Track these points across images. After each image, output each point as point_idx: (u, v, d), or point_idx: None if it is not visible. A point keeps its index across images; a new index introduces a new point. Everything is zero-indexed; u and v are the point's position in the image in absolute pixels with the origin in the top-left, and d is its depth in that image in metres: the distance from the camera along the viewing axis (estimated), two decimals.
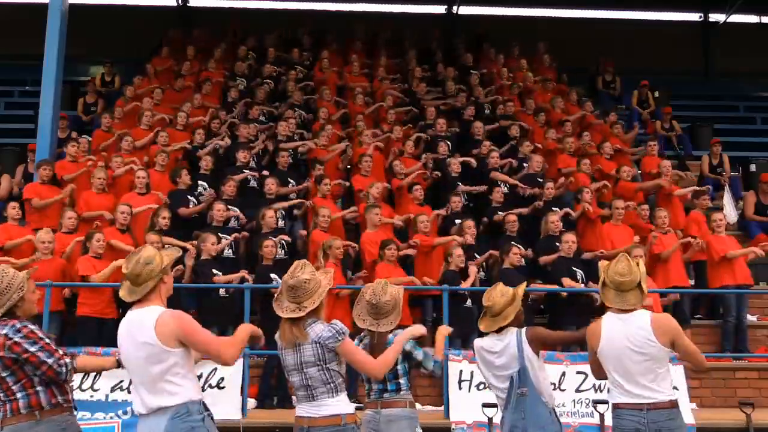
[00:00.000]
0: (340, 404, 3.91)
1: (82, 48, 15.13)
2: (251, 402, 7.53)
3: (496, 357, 4.60)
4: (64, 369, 3.91)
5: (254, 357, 7.61)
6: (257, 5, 19.04)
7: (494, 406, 6.31)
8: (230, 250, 8.61)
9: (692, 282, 9.65)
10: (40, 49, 10.53)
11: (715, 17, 19.13)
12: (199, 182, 9.98)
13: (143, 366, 3.72)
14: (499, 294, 4.64)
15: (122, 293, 3.84)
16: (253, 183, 10.19)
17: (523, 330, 4.60)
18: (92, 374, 6.70)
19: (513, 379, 4.49)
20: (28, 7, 16.08)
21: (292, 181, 10.24)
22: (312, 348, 3.87)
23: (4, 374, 3.87)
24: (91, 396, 6.78)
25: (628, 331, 4.20)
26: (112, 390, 6.76)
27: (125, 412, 6.55)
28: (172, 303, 4.09)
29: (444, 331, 4.88)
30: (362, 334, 4.63)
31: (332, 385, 3.90)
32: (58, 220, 8.77)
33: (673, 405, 4.20)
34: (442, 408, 7.49)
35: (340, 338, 3.87)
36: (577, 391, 7.12)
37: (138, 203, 9.04)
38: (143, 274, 3.77)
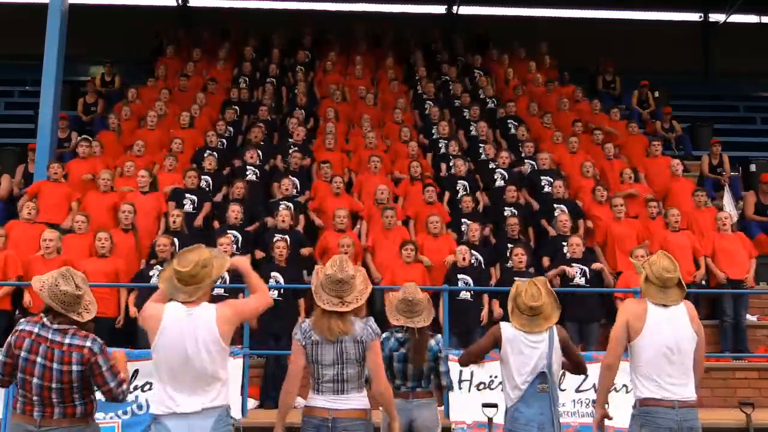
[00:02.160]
0: (365, 399, 4.01)
1: (82, 48, 15.13)
2: (251, 402, 7.52)
3: (530, 350, 4.49)
4: (121, 395, 3.92)
5: (254, 357, 7.60)
6: (257, 5, 19.05)
7: (494, 406, 6.31)
8: (236, 254, 8.60)
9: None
10: (40, 49, 10.53)
11: (715, 17, 19.15)
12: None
13: (202, 363, 3.71)
14: (546, 294, 4.53)
15: (176, 295, 3.80)
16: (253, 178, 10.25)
17: (555, 329, 4.54)
18: None
19: (538, 374, 4.43)
20: (28, 7, 16.08)
21: (294, 179, 10.24)
22: (354, 347, 3.95)
23: (74, 384, 3.82)
24: None
25: (673, 326, 4.27)
26: None
27: (125, 412, 6.50)
28: None
29: None
30: (393, 329, 4.94)
31: (362, 381, 4.02)
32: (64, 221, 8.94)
33: (696, 405, 4.23)
34: (441, 408, 7.46)
35: (374, 337, 4.00)
36: (577, 391, 7.09)
37: (141, 203, 9.11)
38: (200, 275, 3.79)
